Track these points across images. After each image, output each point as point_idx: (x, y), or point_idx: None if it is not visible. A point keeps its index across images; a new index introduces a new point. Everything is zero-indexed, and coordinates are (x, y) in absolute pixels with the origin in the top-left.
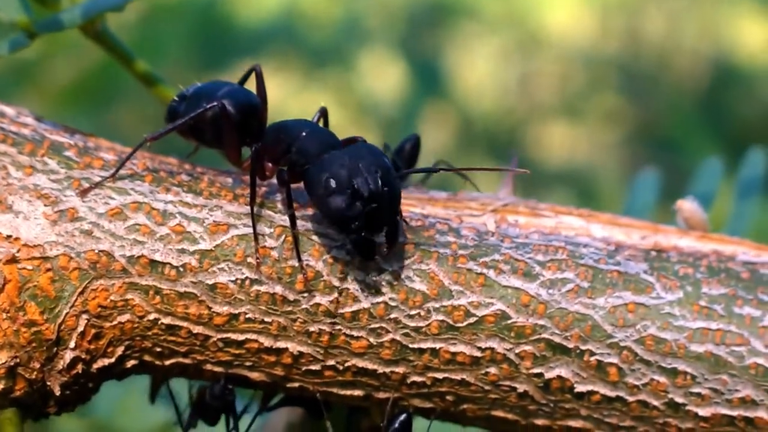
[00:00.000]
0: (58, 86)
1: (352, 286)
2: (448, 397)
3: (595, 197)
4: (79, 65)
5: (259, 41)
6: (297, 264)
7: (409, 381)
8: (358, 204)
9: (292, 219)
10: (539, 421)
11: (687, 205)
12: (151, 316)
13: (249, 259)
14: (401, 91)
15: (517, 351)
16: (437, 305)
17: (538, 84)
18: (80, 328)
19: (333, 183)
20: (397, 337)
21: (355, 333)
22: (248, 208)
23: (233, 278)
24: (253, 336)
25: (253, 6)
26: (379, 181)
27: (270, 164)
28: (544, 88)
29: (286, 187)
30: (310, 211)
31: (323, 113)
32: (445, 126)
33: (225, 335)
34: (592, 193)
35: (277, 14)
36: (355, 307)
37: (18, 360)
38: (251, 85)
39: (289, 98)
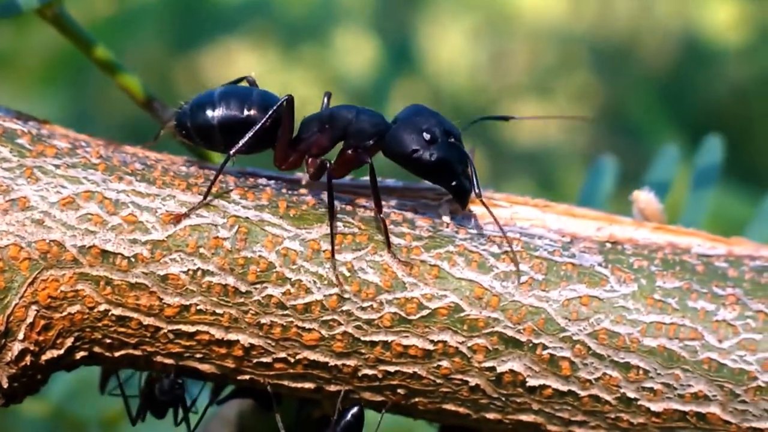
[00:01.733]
0: (30, 69)
1: (305, 278)
2: (400, 391)
3: (560, 180)
4: (51, 47)
5: (234, 18)
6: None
7: (360, 374)
8: (456, 149)
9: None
10: (491, 415)
11: (643, 196)
12: (102, 307)
13: (201, 250)
14: (375, 69)
15: (469, 344)
16: (390, 297)
17: (509, 62)
18: (29, 320)
19: (428, 136)
20: (349, 330)
21: (306, 325)
22: (201, 197)
23: (185, 269)
24: (204, 328)
25: None
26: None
27: (311, 158)
28: (516, 66)
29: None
30: (264, 201)
31: (329, 97)
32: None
33: (176, 327)
34: (557, 174)
35: None
36: (307, 299)
37: None
38: None
39: (266, 75)
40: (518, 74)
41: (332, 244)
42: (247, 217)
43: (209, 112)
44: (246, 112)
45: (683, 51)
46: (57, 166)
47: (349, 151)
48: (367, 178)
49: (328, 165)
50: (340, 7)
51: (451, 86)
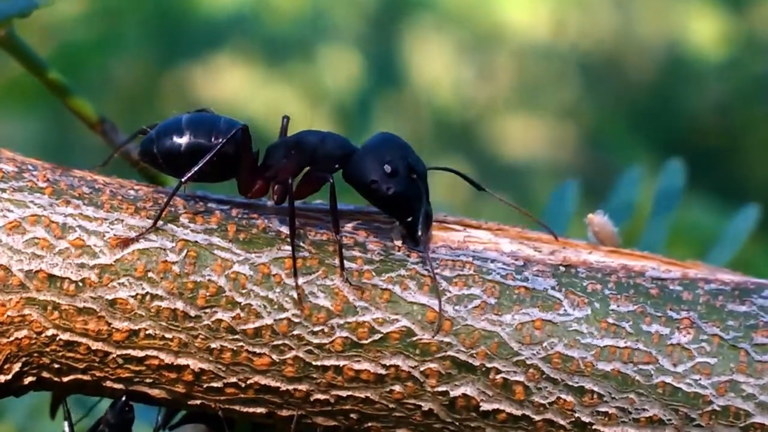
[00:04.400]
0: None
1: (255, 302)
2: (353, 416)
3: (542, 194)
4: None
5: (220, 33)
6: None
7: (312, 399)
8: (416, 186)
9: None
10: None
11: (597, 219)
12: (49, 332)
13: (150, 274)
14: (360, 84)
15: (422, 369)
16: (341, 322)
17: (494, 77)
18: None
19: (390, 168)
20: (300, 354)
21: (257, 350)
22: (151, 221)
23: (133, 293)
24: (154, 352)
25: None
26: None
27: (277, 185)
28: (501, 82)
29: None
30: (213, 224)
31: (288, 121)
32: (405, 120)
33: (125, 351)
34: (540, 189)
35: (237, 5)
36: (257, 323)
37: None
38: None
39: (251, 91)
40: (503, 90)
41: (294, 263)
42: (196, 241)
43: (177, 139)
44: (214, 139)
45: (666, 66)
46: (3, 190)
47: (315, 176)
48: (318, 201)
49: (289, 185)
50: (325, 23)
51: (436, 101)
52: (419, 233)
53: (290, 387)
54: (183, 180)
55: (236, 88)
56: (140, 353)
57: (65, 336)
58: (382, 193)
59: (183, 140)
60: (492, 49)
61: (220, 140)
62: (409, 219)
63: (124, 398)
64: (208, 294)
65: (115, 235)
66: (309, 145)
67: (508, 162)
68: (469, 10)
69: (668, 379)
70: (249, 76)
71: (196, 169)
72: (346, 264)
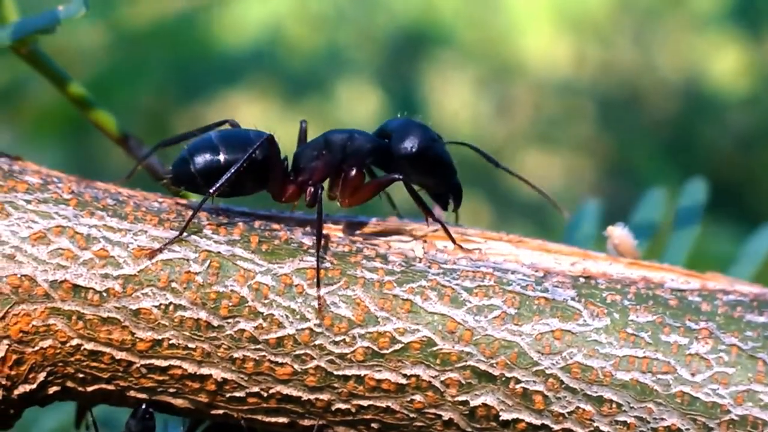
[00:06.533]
0: (35, 112)
1: (277, 312)
2: (374, 425)
3: (560, 226)
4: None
5: (237, 69)
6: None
7: (333, 408)
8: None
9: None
10: None
11: (617, 232)
12: (74, 342)
13: (173, 284)
14: (379, 120)
15: (442, 378)
16: (363, 332)
17: (513, 112)
18: (0, 354)
19: (432, 135)
20: (322, 364)
21: (279, 359)
22: (175, 233)
23: (157, 303)
24: (177, 362)
25: (232, 33)
26: None
27: (310, 187)
28: (519, 117)
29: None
30: (236, 236)
31: (306, 125)
32: None
33: (148, 361)
34: (558, 221)
35: (256, 41)
36: (279, 333)
37: None
38: None
39: (269, 127)
40: (522, 124)
41: (318, 271)
42: (219, 252)
43: (214, 156)
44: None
45: (686, 100)
46: (28, 202)
47: (353, 172)
48: (341, 214)
49: (319, 193)
50: (343, 58)
51: (454, 136)
52: (462, 194)
53: (312, 396)
54: (212, 191)
55: (253, 124)
56: (163, 363)
57: (89, 345)
58: (439, 157)
59: (221, 157)
60: (511, 83)
61: (257, 153)
62: (455, 180)
63: (144, 405)
64: (230, 304)
65: (138, 245)
66: (339, 143)
67: (526, 196)
68: (488, 45)
69: (686, 389)
70: (266, 112)
71: (225, 178)
72: (368, 275)
